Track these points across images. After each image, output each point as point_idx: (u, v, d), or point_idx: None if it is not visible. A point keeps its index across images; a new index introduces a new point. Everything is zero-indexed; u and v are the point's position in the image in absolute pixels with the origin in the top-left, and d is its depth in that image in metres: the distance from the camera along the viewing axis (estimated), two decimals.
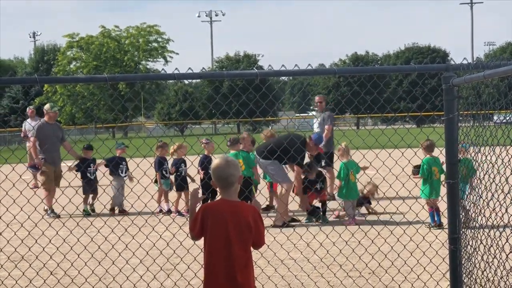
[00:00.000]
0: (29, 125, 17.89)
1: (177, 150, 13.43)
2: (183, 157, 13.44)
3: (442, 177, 10.80)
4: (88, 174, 13.93)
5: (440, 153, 6.30)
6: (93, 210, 13.89)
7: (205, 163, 12.74)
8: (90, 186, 13.82)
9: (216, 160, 4.79)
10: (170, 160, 13.75)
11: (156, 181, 13.81)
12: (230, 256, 4.54)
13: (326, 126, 14.51)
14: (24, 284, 7.70)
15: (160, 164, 13.61)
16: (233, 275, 4.53)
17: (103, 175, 12.83)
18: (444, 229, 8.56)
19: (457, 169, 5.85)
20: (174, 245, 8.71)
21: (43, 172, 13.57)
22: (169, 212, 13.42)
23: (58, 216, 12.98)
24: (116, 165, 13.89)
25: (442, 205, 7.06)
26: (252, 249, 4.70)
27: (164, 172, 13.65)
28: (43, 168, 13.51)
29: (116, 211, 13.70)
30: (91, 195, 13.99)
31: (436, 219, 11.23)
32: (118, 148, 14.07)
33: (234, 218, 4.58)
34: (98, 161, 14.14)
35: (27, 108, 19.37)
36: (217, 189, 4.85)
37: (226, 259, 4.54)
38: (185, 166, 13.36)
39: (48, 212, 13.30)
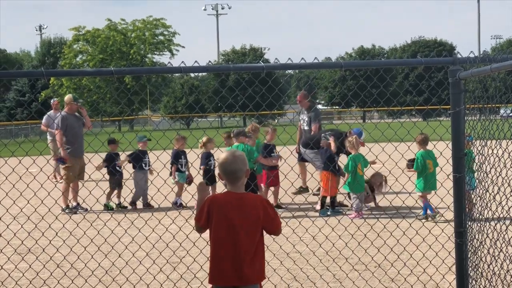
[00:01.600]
0: (51, 117, 17.61)
1: (206, 144, 13.32)
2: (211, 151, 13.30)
3: (438, 170, 10.93)
4: (117, 167, 13.66)
5: (446, 147, 6.29)
6: (123, 206, 13.51)
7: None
8: (116, 181, 13.56)
9: (223, 154, 4.76)
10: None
11: (171, 174, 13.63)
12: (236, 248, 4.53)
13: (313, 126, 14.22)
14: (31, 277, 7.73)
15: (176, 157, 13.47)
16: (239, 267, 4.53)
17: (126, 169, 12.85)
18: (450, 223, 8.56)
19: (463, 163, 5.83)
20: (180, 238, 8.72)
21: (66, 166, 13.29)
22: (177, 205, 13.28)
23: (75, 213, 12.80)
24: (138, 159, 13.60)
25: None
26: (272, 236, 4.77)
27: (180, 166, 13.51)
28: (68, 162, 13.26)
29: (140, 205, 13.51)
30: (115, 191, 13.67)
31: (428, 211, 11.42)
32: (140, 141, 13.79)
33: (241, 209, 4.58)
34: (121, 154, 13.88)
35: (52, 100, 18.83)
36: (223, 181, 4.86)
37: (232, 251, 4.54)
38: (214, 159, 13.24)
39: (64, 207, 13.04)
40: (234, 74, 71.60)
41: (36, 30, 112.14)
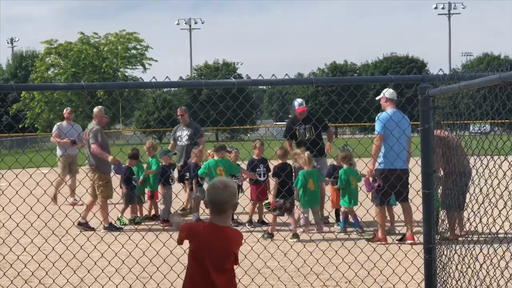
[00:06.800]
0: (61, 129, 16.44)
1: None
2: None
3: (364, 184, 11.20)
4: (133, 182, 13.14)
5: (416, 163, 6.34)
6: (137, 222, 12.95)
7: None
8: (129, 196, 13.09)
9: (215, 182, 4.63)
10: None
11: (192, 189, 12.99)
12: (209, 285, 4.42)
13: (200, 141, 13.81)
14: None
15: (196, 170, 12.76)
16: None
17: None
18: (419, 238, 8.62)
19: (432, 179, 5.89)
20: (151, 253, 8.66)
21: (105, 182, 12.17)
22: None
23: (121, 229, 12.08)
24: (163, 174, 12.95)
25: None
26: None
27: (199, 180, 12.72)
28: (108, 175, 12.32)
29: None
30: (130, 206, 13.22)
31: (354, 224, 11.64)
32: (163, 155, 13.25)
33: (218, 244, 4.44)
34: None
35: (65, 109, 17.32)
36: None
37: (206, 285, 4.42)
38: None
39: (106, 226, 12.08)
40: (206, 89, 71.51)
41: (8, 43, 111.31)
